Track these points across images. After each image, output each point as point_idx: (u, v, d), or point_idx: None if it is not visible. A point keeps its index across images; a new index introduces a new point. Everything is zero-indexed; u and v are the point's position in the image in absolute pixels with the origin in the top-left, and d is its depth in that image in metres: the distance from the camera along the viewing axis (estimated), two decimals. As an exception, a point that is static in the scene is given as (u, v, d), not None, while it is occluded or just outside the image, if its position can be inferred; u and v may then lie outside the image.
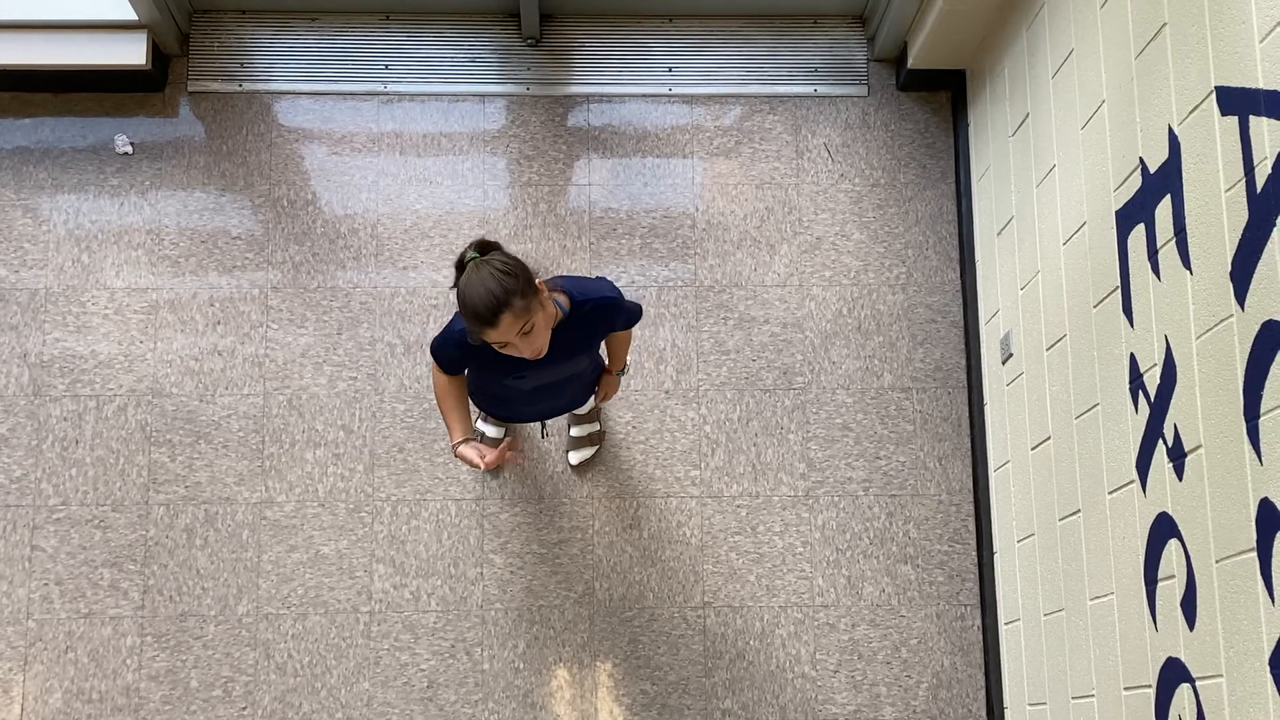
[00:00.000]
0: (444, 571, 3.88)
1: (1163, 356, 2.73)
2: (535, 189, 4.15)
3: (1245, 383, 2.40)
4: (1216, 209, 2.51)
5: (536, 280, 2.78)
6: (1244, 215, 2.40)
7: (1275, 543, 2.30)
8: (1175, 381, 2.68)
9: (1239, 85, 2.42)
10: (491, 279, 2.69)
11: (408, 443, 3.94)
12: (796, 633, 3.88)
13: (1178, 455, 2.68)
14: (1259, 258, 2.35)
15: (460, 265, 2.76)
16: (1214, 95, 2.51)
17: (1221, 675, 2.50)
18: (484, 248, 2.77)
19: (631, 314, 3.20)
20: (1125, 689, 2.94)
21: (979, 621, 3.91)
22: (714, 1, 4.23)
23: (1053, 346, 3.38)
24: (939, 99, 4.26)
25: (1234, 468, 2.44)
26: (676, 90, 4.24)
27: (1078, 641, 3.21)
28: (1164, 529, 2.74)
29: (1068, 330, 3.27)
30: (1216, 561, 2.51)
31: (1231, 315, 2.45)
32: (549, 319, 2.84)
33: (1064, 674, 3.31)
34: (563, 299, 2.95)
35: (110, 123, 4.14)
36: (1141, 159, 2.84)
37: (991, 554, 3.86)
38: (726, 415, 4.01)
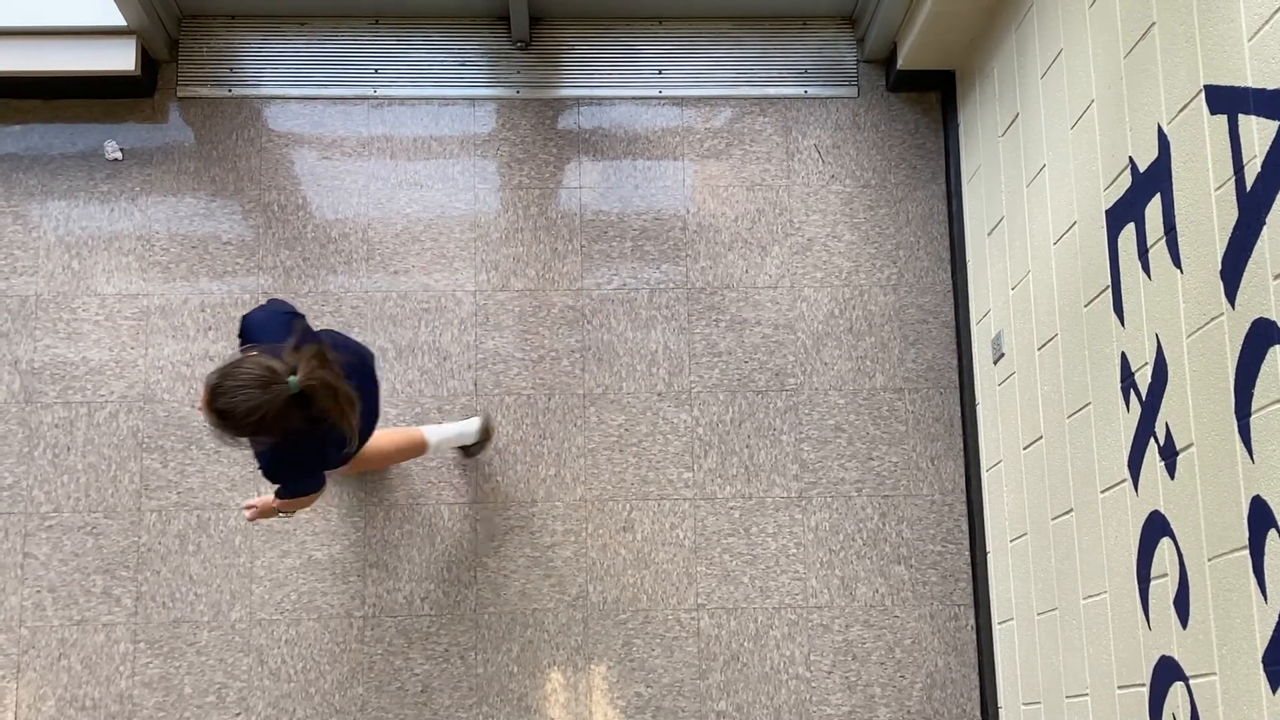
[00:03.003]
0: (437, 576, 3.87)
1: (1154, 355, 2.74)
2: (526, 192, 4.14)
3: (1236, 381, 2.40)
4: (1206, 208, 2.51)
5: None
6: (1234, 214, 2.41)
7: (1267, 540, 2.31)
8: (1166, 380, 2.68)
9: (1228, 84, 2.42)
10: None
11: (400, 447, 3.94)
12: (790, 634, 3.88)
13: (1169, 454, 2.68)
14: (1249, 256, 2.35)
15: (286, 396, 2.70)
16: (1203, 94, 2.52)
17: (1215, 673, 2.51)
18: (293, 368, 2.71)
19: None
20: (1119, 688, 2.94)
21: (973, 621, 3.91)
22: (704, 4, 4.24)
23: (1044, 346, 3.38)
24: (929, 100, 4.27)
25: (1226, 466, 2.45)
26: (667, 93, 4.24)
27: (1071, 641, 3.22)
28: (1156, 527, 2.74)
29: (1059, 330, 3.28)
30: (1209, 560, 2.52)
31: (1222, 313, 2.45)
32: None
33: (1058, 673, 3.31)
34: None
35: (100, 129, 4.13)
36: (1131, 158, 2.84)
37: (985, 554, 3.86)
38: (719, 417, 4.01)
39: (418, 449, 3.71)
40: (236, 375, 2.69)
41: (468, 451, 3.88)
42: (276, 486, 3.14)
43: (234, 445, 2.88)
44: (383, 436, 3.61)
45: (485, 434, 3.84)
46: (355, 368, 3.05)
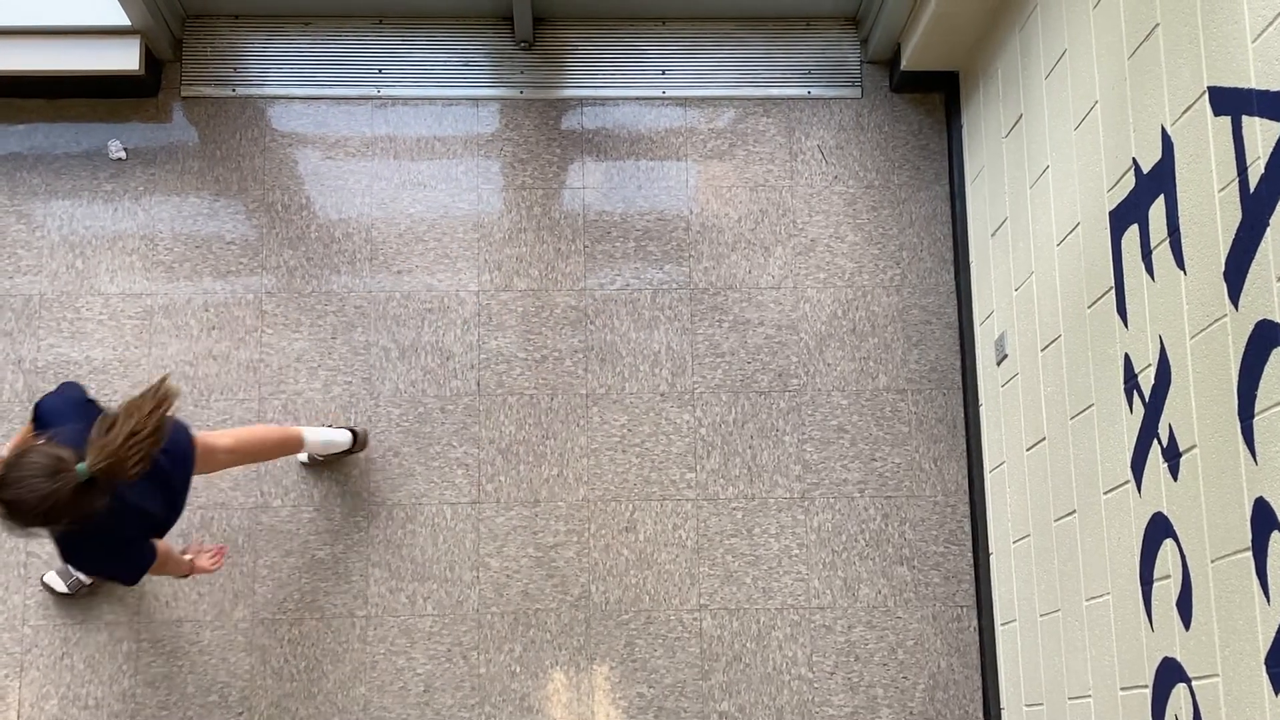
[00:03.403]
0: (440, 575, 3.87)
1: (1157, 357, 2.74)
2: (529, 192, 4.15)
3: (1239, 382, 2.40)
4: (1210, 209, 2.51)
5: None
6: (1237, 215, 2.40)
7: (1270, 542, 2.30)
8: (1170, 381, 2.68)
9: (1231, 85, 2.42)
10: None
11: (403, 447, 3.94)
12: (793, 635, 3.88)
13: (1172, 455, 2.68)
14: (1252, 257, 2.35)
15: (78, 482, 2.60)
16: (1207, 95, 2.51)
17: (1217, 675, 2.50)
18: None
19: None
20: (1122, 689, 2.94)
21: (975, 623, 3.91)
22: (707, 4, 4.24)
23: (1047, 347, 3.38)
24: (932, 100, 4.26)
25: (1229, 467, 2.45)
26: (670, 93, 4.24)
27: (1074, 642, 3.21)
28: (1159, 529, 2.74)
29: (1062, 331, 3.28)
30: (1212, 561, 2.52)
31: (1225, 315, 2.45)
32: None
33: (1060, 675, 3.31)
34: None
35: (104, 128, 4.14)
36: (1135, 159, 2.84)
37: (987, 555, 3.86)
38: (722, 418, 4.01)
39: (294, 446, 3.70)
40: (23, 465, 2.57)
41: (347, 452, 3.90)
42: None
43: (26, 535, 2.73)
44: (259, 430, 3.64)
45: (359, 444, 3.89)
46: (167, 449, 2.85)
